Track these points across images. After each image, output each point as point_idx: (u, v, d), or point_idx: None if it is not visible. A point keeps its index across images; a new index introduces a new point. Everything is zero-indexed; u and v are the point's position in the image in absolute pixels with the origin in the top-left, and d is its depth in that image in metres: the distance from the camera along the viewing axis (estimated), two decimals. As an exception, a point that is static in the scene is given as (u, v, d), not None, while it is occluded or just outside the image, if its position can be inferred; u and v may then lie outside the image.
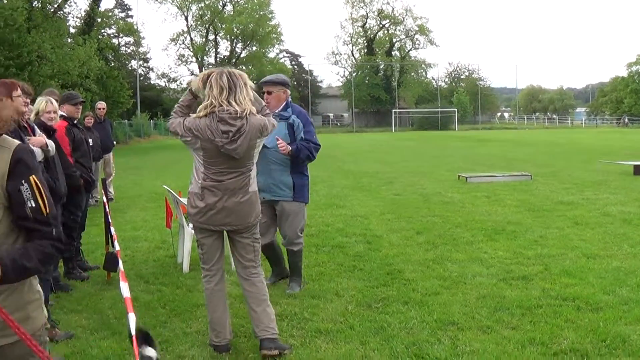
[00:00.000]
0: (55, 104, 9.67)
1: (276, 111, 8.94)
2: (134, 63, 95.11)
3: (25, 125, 7.83)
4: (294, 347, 7.06)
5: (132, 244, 12.78)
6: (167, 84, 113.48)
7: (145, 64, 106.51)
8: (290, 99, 9.23)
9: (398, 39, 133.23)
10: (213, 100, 6.65)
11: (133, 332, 4.33)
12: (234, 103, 6.62)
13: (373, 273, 10.20)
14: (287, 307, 8.47)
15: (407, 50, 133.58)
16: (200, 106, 6.82)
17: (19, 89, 7.49)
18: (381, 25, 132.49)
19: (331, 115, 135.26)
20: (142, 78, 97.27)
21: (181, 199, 10.89)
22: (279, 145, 8.73)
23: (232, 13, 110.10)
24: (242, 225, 6.90)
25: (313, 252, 11.61)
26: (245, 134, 6.64)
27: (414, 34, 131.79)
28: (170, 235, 12.35)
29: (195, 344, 7.25)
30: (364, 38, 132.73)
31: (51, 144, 8.48)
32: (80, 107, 10.93)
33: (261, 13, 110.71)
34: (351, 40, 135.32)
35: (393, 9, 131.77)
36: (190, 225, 10.83)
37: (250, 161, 6.85)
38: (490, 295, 8.78)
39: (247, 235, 6.99)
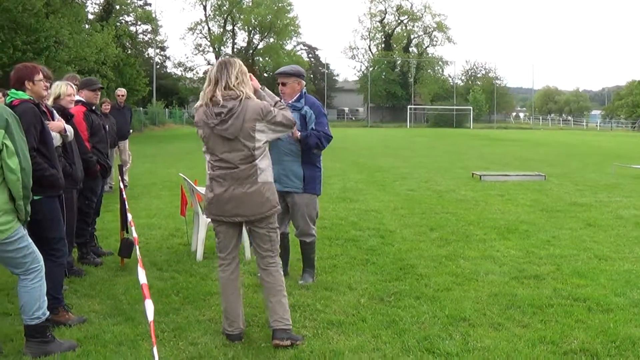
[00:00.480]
0: (74, 88, 9.73)
1: (289, 102, 9.00)
2: (150, 51, 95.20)
3: (45, 109, 7.85)
4: (306, 338, 7.09)
5: (146, 232, 12.84)
6: (183, 73, 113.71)
7: (162, 53, 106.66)
8: (305, 90, 9.25)
9: (416, 35, 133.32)
10: (208, 91, 6.86)
11: (150, 318, 4.37)
12: (220, 92, 6.79)
13: (386, 267, 10.24)
14: (300, 298, 8.51)
15: (424, 47, 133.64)
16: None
17: (40, 72, 7.58)
18: (399, 21, 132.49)
19: (346, 109, 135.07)
20: (158, 66, 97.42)
21: (197, 187, 10.94)
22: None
23: (250, 4, 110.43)
24: (253, 217, 6.92)
25: (326, 244, 11.65)
26: (237, 114, 6.72)
27: (432, 31, 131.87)
28: (185, 223, 12.40)
29: (208, 331, 7.29)
30: (382, 33, 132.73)
31: (69, 129, 8.52)
32: (99, 93, 10.96)
33: (280, 5, 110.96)
34: (369, 35, 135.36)
35: (412, 5, 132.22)
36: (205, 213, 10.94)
37: (252, 148, 6.83)
38: (502, 293, 8.81)
39: (262, 225, 7.00)
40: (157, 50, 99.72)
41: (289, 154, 8.95)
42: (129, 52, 73.70)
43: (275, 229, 7.15)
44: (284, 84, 9.08)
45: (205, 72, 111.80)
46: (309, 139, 8.94)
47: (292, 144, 8.90)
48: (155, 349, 4.17)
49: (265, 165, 6.97)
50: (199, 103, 6.95)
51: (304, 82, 9.24)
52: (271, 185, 7.03)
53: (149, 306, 4.51)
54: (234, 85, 6.78)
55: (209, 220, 10.66)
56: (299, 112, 8.98)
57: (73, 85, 9.67)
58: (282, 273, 7.19)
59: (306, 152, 9.04)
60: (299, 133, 8.83)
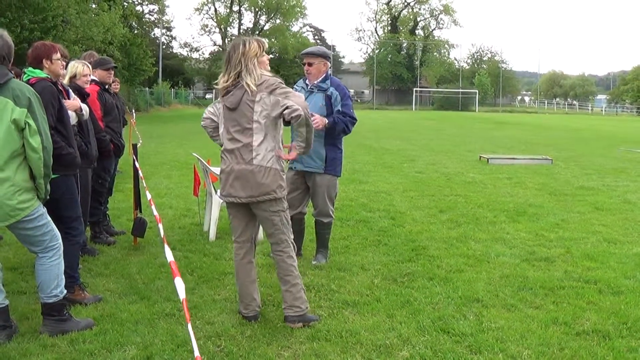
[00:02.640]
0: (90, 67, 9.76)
1: (315, 82, 9.03)
2: (157, 31, 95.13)
3: (61, 88, 7.87)
4: (322, 318, 7.15)
5: (157, 211, 12.83)
6: (189, 54, 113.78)
7: (168, 33, 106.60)
8: (330, 72, 9.27)
9: (422, 18, 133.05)
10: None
11: (182, 296, 4.41)
12: (226, 76, 6.92)
13: (398, 248, 10.29)
14: (314, 279, 8.56)
15: (430, 30, 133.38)
16: None
17: (58, 52, 7.61)
18: (406, 4, 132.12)
19: (352, 91, 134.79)
20: (164, 47, 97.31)
21: (210, 167, 10.97)
22: (313, 122, 8.79)
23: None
24: (252, 198, 6.88)
25: (338, 225, 11.66)
26: (240, 86, 6.79)
27: (439, 14, 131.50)
28: (197, 203, 12.44)
29: (224, 310, 7.33)
30: (388, 16, 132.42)
31: (85, 108, 8.55)
32: (112, 72, 10.99)
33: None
34: (375, 17, 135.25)
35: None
36: (218, 193, 10.98)
37: (250, 123, 6.81)
38: (514, 275, 8.86)
39: (264, 207, 6.98)
40: (164, 31, 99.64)
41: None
42: (136, 32, 73.53)
43: (278, 212, 7.05)
44: (310, 64, 9.08)
45: (211, 53, 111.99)
46: (337, 125, 8.99)
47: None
48: (189, 326, 4.20)
49: (267, 147, 6.87)
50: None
51: (329, 64, 9.25)
52: (270, 170, 6.87)
53: (180, 284, 4.53)
54: (237, 72, 6.87)
55: (222, 200, 10.76)
56: (324, 93, 9.00)
57: (89, 66, 9.71)
58: (290, 261, 7.13)
59: (330, 133, 9.06)
60: (324, 121, 8.85)
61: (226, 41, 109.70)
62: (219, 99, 7.11)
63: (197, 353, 3.82)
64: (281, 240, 7.11)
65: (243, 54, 6.82)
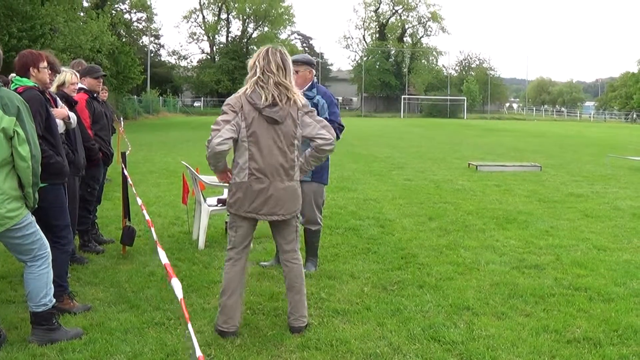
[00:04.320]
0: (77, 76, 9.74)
1: (301, 90, 9.02)
2: (145, 39, 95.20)
3: (48, 97, 7.83)
4: (312, 326, 7.11)
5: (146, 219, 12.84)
6: (177, 62, 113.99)
7: (156, 41, 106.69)
8: (315, 80, 9.26)
9: (410, 25, 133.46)
10: (262, 76, 6.76)
11: (180, 296, 4.38)
12: (289, 84, 6.80)
13: (387, 256, 10.27)
14: (304, 287, 8.51)
15: (418, 37, 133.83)
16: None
17: (45, 60, 7.58)
18: (394, 11, 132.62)
19: (340, 98, 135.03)
20: (152, 55, 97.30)
21: (199, 176, 10.95)
22: None
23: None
24: (293, 213, 7.00)
25: (327, 233, 11.65)
26: (290, 100, 6.77)
27: (427, 21, 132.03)
28: (186, 211, 12.41)
29: (214, 319, 7.24)
30: (377, 23, 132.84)
31: (73, 116, 8.52)
32: (101, 80, 10.97)
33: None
34: (363, 24, 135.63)
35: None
36: (207, 201, 10.92)
37: (294, 140, 6.84)
38: (504, 283, 8.85)
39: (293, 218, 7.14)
40: (152, 39, 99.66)
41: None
42: (124, 40, 73.55)
43: (298, 218, 7.19)
44: (295, 72, 9.07)
45: (199, 61, 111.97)
46: None
47: None
48: (189, 325, 4.15)
49: (298, 164, 6.97)
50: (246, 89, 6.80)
51: (314, 71, 9.24)
52: (299, 184, 7.03)
53: (177, 284, 4.49)
54: (292, 83, 6.83)
55: (211, 208, 10.68)
56: (311, 101, 8.97)
57: (77, 74, 9.69)
58: (302, 269, 7.20)
59: None
60: None
61: (214, 49, 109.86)
62: (242, 111, 6.70)
63: (199, 353, 3.78)
64: (297, 247, 7.17)
65: (289, 66, 6.82)
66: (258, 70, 6.74)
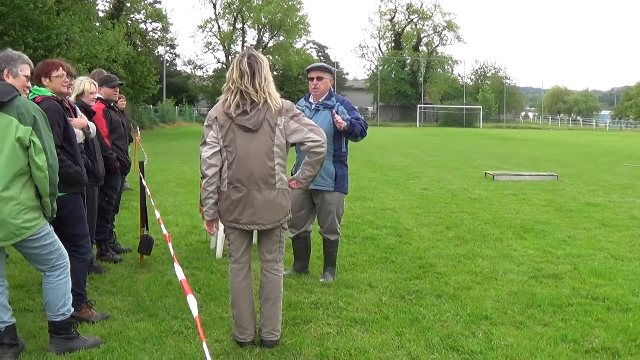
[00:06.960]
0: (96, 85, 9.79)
1: (320, 100, 9.03)
2: (161, 49, 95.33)
3: (67, 106, 7.84)
4: (331, 335, 7.10)
5: (164, 229, 12.85)
6: (193, 71, 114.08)
7: (172, 50, 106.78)
8: (332, 88, 9.27)
9: (426, 34, 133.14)
10: (231, 85, 6.75)
11: (195, 314, 4.39)
12: (252, 87, 6.65)
13: (405, 265, 10.27)
14: (322, 296, 8.52)
15: (434, 46, 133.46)
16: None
17: (60, 69, 7.59)
18: (409, 20, 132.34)
19: (356, 107, 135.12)
20: (168, 64, 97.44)
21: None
22: (335, 121, 8.78)
23: (260, 2, 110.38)
24: (276, 222, 6.85)
25: (344, 242, 11.65)
26: (263, 105, 6.65)
27: (442, 30, 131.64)
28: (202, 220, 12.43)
29: (232, 328, 7.28)
30: (392, 32, 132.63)
31: (92, 126, 8.53)
32: (118, 89, 11.02)
33: (289, 3, 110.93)
34: (379, 33, 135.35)
35: (422, 3, 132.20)
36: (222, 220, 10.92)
37: (272, 147, 6.68)
38: (522, 292, 8.83)
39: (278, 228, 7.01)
40: (167, 48, 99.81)
41: None
42: (140, 49, 73.72)
43: (283, 229, 7.04)
44: (319, 79, 9.05)
45: (215, 70, 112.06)
46: (355, 128, 8.98)
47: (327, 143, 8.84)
48: (205, 344, 4.18)
49: (281, 171, 6.79)
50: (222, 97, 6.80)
51: (332, 80, 9.27)
52: (285, 192, 6.84)
53: (192, 301, 4.51)
54: (262, 87, 6.66)
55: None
56: (331, 110, 8.98)
57: (96, 83, 9.73)
58: (282, 282, 7.07)
59: (337, 150, 9.08)
60: (344, 124, 8.85)
61: (230, 58, 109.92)
62: (216, 122, 6.76)
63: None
64: (280, 258, 7.04)
65: (263, 68, 6.72)
66: (228, 79, 6.77)
